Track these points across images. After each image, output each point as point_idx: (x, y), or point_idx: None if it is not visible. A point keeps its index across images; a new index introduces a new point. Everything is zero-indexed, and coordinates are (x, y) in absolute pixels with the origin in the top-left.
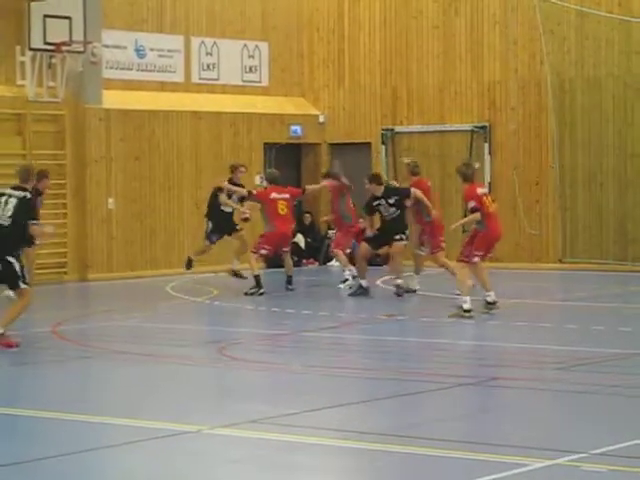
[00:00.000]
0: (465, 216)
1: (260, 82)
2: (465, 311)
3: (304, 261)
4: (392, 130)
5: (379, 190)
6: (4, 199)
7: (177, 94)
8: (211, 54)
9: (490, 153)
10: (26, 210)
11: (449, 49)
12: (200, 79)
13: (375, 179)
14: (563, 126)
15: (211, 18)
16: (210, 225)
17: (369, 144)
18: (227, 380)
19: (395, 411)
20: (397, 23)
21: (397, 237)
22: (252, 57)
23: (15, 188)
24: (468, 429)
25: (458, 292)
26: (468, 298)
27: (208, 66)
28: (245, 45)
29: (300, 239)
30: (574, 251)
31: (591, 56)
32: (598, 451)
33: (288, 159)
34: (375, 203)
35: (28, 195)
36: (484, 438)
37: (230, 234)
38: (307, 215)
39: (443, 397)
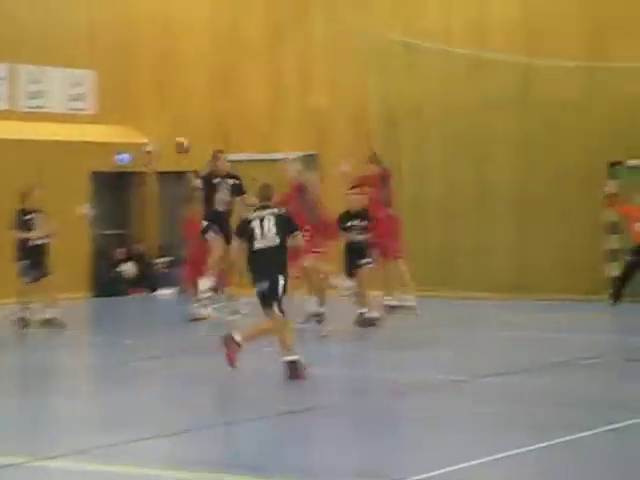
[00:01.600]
0: None
1: (87, 110)
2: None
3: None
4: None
5: None
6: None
7: (1, 122)
8: (37, 82)
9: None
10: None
11: (277, 77)
12: (25, 107)
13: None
14: (390, 155)
15: (37, 45)
16: None
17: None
18: (53, 410)
19: (215, 441)
20: (225, 50)
21: None
22: (79, 85)
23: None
24: (291, 457)
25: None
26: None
27: (34, 94)
28: (71, 73)
29: (130, 267)
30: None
31: (416, 86)
32: (419, 477)
33: (115, 188)
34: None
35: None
36: (305, 465)
37: None
38: (138, 245)
39: (268, 425)
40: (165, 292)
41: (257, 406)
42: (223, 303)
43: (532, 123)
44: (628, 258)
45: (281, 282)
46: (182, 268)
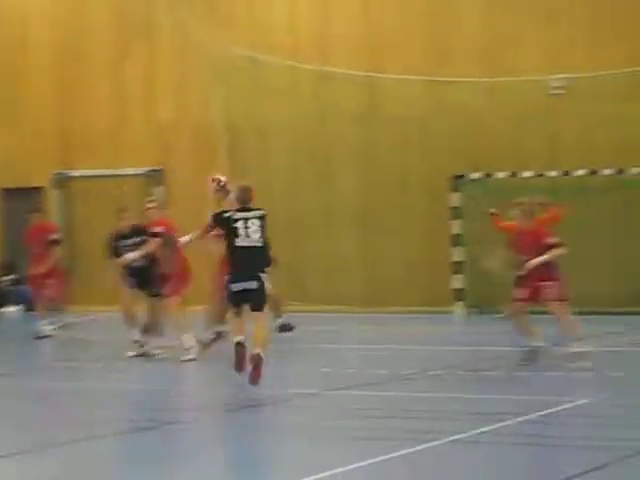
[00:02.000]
0: None
1: None
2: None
3: None
4: (65, 174)
5: None
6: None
7: None
8: None
9: (165, 197)
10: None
11: (122, 91)
12: None
13: None
14: (235, 171)
15: None
16: None
17: (41, 189)
18: None
19: (65, 459)
20: (68, 64)
21: None
22: None
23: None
24: (132, 476)
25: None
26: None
27: None
28: None
29: None
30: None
31: (261, 101)
32: None
33: None
34: None
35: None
36: None
37: None
38: None
39: (119, 442)
40: (10, 310)
41: (101, 424)
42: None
43: (377, 138)
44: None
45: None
46: (28, 284)
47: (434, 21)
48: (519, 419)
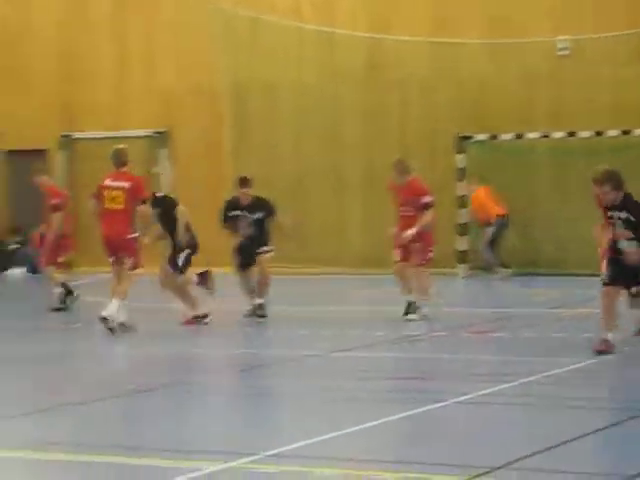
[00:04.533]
0: None
1: None
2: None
3: None
4: (70, 136)
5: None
6: None
7: None
8: None
9: (169, 159)
10: None
11: (124, 53)
12: None
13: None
14: (239, 133)
15: None
16: None
17: (45, 151)
18: None
19: (63, 421)
20: (71, 27)
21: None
22: None
23: None
24: (140, 435)
25: None
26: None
27: None
28: None
29: None
30: None
31: (265, 62)
32: (270, 452)
33: None
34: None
35: None
36: (155, 443)
37: None
38: None
39: (121, 404)
40: (16, 271)
41: (110, 385)
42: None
43: (381, 99)
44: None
45: None
46: (37, 246)
47: None
48: (524, 380)
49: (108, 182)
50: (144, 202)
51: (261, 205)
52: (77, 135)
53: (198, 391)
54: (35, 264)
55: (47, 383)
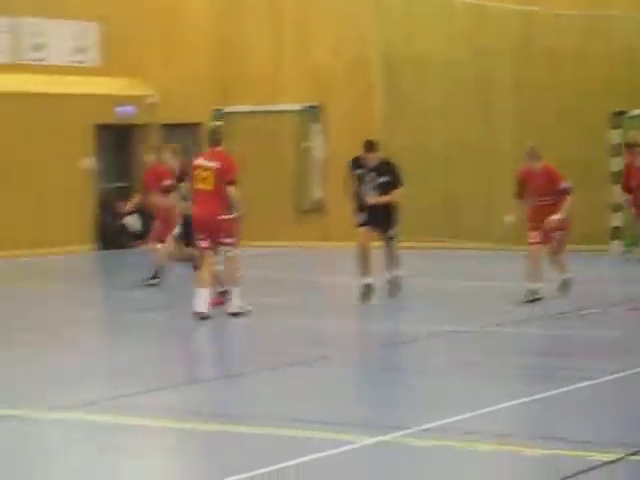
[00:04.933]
0: None
1: (89, 62)
2: None
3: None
4: (223, 110)
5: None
6: None
7: (3, 75)
8: (39, 34)
9: (321, 134)
10: None
11: (279, 26)
12: (27, 60)
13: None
14: (390, 108)
15: None
16: None
17: (200, 125)
18: (61, 362)
19: (221, 392)
20: (226, 2)
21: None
22: (82, 37)
23: None
24: (295, 407)
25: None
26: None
27: (36, 47)
28: (75, 25)
29: (134, 220)
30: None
31: (418, 36)
32: (422, 427)
33: (119, 141)
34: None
35: None
36: (311, 416)
37: None
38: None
39: (271, 376)
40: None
41: (261, 358)
42: None
43: (532, 73)
44: None
45: None
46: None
47: None
48: None
49: (200, 161)
50: (232, 184)
51: (388, 169)
52: (229, 109)
53: (346, 364)
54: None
55: (203, 355)
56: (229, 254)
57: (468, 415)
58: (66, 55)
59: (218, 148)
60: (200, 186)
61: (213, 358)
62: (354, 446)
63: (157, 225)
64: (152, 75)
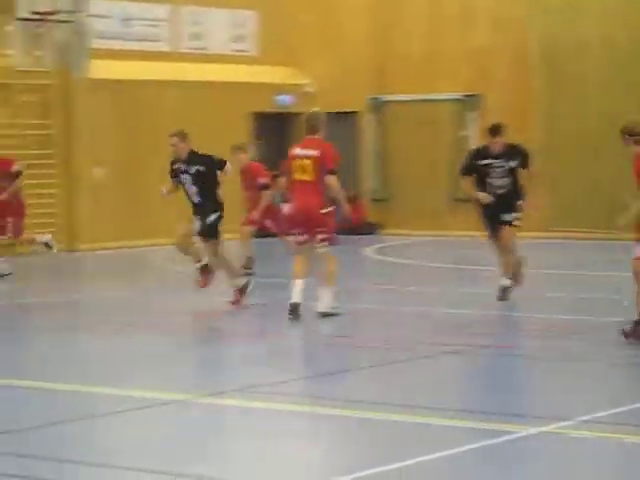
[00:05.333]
0: None
1: (247, 51)
2: None
3: None
4: (380, 99)
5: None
6: None
7: (163, 63)
8: (198, 23)
9: (478, 122)
10: None
11: (438, 14)
12: (187, 48)
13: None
14: (552, 92)
15: None
16: None
17: (356, 113)
18: (217, 350)
19: (383, 379)
20: None
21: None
22: (240, 26)
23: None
24: (457, 397)
25: None
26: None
27: (195, 35)
28: (233, 14)
29: None
30: (562, 219)
31: (576, 23)
32: (585, 418)
33: (275, 129)
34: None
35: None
36: (474, 406)
37: None
38: None
39: (430, 365)
40: None
41: (416, 346)
42: None
43: None
44: None
45: None
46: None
47: None
48: None
49: (297, 151)
50: (332, 173)
51: (516, 152)
52: (386, 97)
53: (507, 354)
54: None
55: (360, 341)
56: (324, 250)
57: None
58: (225, 44)
59: (316, 136)
60: (299, 177)
61: (367, 345)
62: (515, 436)
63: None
64: (309, 63)
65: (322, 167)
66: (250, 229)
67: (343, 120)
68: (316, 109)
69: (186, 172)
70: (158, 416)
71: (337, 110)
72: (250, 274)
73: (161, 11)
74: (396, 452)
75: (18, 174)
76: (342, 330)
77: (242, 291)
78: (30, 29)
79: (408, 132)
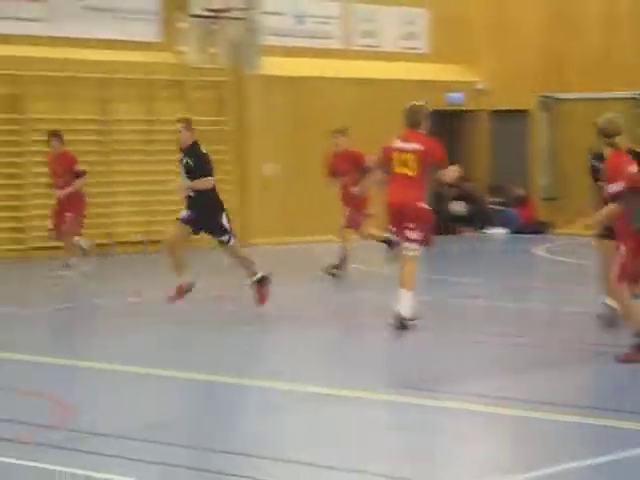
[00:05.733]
0: None
1: (419, 49)
2: None
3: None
4: (552, 97)
5: None
6: None
7: (336, 61)
8: (370, 21)
9: None
10: None
11: (614, 11)
12: (359, 46)
13: None
14: None
15: None
16: None
17: (526, 111)
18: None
19: (545, 380)
20: None
21: None
22: (411, 24)
23: None
24: (620, 398)
25: None
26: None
27: (367, 33)
28: (404, 11)
29: (460, 206)
30: None
31: None
32: None
33: (447, 127)
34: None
35: None
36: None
37: None
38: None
39: (592, 366)
40: (497, 231)
41: (588, 348)
42: None
43: None
44: None
45: None
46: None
47: None
48: None
49: (398, 144)
50: (442, 166)
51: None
52: (560, 96)
53: None
54: (517, 224)
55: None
56: (411, 253)
57: None
58: (396, 41)
59: (418, 130)
60: (400, 170)
61: (539, 345)
62: None
63: (350, 212)
64: (480, 61)
65: (426, 162)
66: (352, 231)
67: (513, 118)
68: (419, 102)
69: (180, 162)
70: (335, 411)
71: (507, 108)
72: (333, 274)
73: (333, 8)
74: (566, 453)
75: (82, 173)
76: (514, 329)
77: (261, 284)
78: (204, 26)
79: (579, 131)
